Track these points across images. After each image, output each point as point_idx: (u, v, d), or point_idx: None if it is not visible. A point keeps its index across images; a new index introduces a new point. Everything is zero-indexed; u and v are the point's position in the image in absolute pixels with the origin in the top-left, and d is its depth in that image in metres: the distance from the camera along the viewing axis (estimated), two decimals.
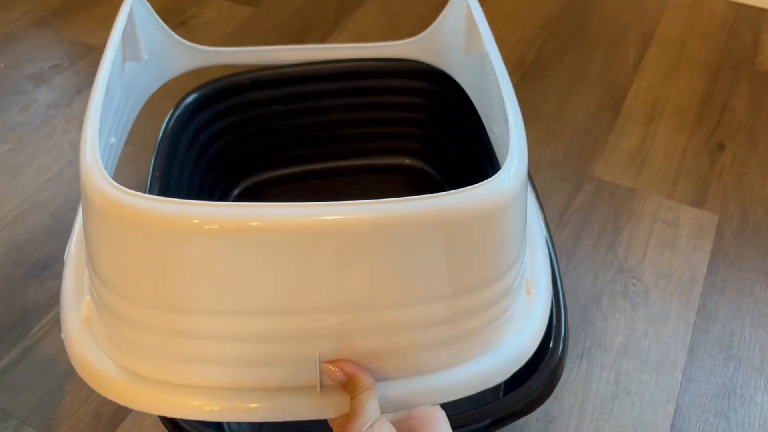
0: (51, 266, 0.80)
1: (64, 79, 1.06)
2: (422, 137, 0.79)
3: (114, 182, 0.39)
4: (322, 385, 0.41)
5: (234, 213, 0.37)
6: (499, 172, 0.42)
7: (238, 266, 0.38)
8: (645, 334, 0.72)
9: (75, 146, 0.95)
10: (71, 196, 0.88)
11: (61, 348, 0.72)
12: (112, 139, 0.54)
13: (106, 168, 0.47)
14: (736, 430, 0.65)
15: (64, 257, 0.53)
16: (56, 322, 0.74)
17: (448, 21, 0.66)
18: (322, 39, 1.13)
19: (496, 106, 0.53)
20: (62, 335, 0.47)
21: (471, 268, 0.41)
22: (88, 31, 1.15)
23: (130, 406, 0.43)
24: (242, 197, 0.80)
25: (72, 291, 0.49)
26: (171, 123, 0.68)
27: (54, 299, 0.76)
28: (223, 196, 0.78)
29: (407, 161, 0.81)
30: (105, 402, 0.68)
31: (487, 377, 0.44)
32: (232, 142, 0.76)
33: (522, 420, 0.66)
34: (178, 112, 0.69)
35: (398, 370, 0.43)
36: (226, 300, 0.39)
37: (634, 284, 0.77)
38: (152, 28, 0.63)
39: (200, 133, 0.72)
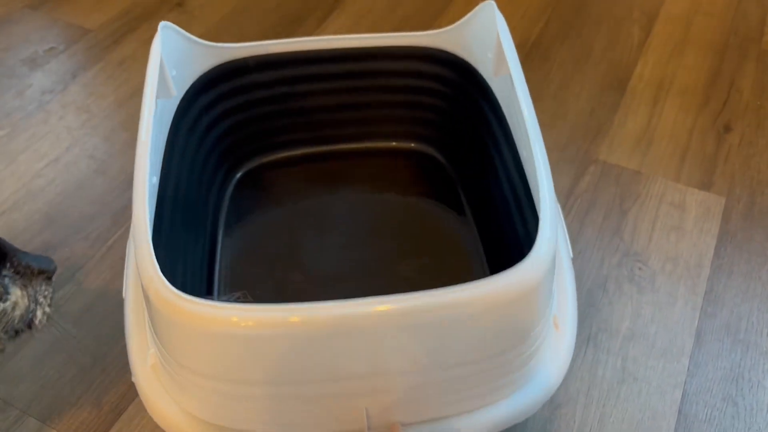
0: (48, 255, 0.78)
1: (59, 63, 1.04)
2: (431, 122, 0.78)
3: (173, 289, 0.43)
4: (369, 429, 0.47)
5: (278, 314, 0.41)
6: (532, 253, 0.44)
7: (294, 351, 0.43)
8: (652, 318, 0.71)
9: (71, 132, 0.93)
10: (68, 183, 0.87)
11: (60, 336, 0.71)
12: (154, 179, 0.57)
13: (148, 207, 0.52)
14: (744, 415, 0.64)
15: (123, 294, 0.59)
16: (54, 311, 0.73)
17: (476, 23, 0.66)
18: (321, 20, 1.11)
19: (523, 134, 0.55)
20: (133, 379, 0.53)
21: (504, 336, 0.46)
22: (82, 14, 1.13)
23: None
24: (246, 181, 0.78)
25: (134, 331, 0.54)
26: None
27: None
28: (226, 179, 0.77)
29: (413, 145, 0.80)
30: (107, 390, 0.67)
31: (517, 414, 0.50)
32: (237, 124, 0.74)
33: None
34: (180, 94, 0.68)
35: (437, 414, 0.48)
36: (283, 375, 0.44)
37: (640, 268, 0.76)
38: (182, 49, 0.64)
39: (203, 115, 0.70)
